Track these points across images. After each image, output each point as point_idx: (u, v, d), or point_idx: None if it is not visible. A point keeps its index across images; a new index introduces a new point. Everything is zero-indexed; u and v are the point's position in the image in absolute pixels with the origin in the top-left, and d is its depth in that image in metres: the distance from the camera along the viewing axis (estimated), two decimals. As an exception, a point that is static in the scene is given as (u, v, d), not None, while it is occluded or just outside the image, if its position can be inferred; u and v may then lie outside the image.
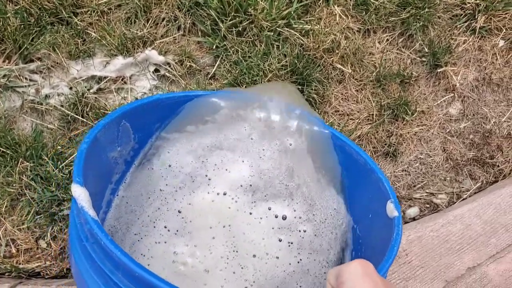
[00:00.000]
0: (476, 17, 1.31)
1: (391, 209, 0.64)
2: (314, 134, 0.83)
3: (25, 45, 1.22)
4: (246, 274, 0.78)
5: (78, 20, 1.25)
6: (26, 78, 1.23)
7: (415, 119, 1.27)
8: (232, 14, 1.24)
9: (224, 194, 0.87)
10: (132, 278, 0.46)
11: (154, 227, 0.82)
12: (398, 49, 1.32)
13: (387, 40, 1.32)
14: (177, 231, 0.82)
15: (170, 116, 0.82)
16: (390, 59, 1.31)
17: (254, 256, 0.80)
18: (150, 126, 0.80)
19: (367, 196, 0.76)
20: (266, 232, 0.84)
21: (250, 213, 0.86)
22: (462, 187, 1.29)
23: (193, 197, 0.86)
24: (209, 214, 0.85)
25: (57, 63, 1.25)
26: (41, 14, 1.24)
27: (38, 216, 1.14)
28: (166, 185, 0.85)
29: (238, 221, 0.85)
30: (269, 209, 0.86)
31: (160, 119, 0.81)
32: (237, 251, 0.81)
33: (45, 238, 1.16)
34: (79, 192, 0.53)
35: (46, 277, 1.16)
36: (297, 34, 1.27)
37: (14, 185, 1.13)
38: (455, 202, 1.27)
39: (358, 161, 0.77)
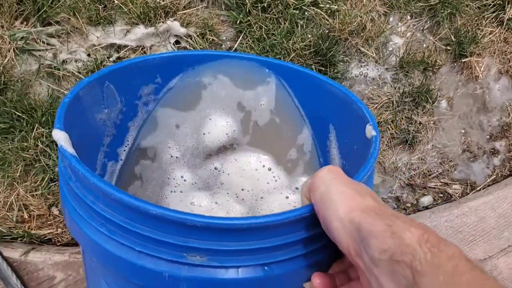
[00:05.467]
0: (505, 8, 1.29)
1: (370, 130, 0.64)
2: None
3: (45, 8, 1.18)
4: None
5: (99, -16, 1.22)
6: (43, 42, 1.20)
7: (436, 107, 1.26)
8: (258, -12, 1.21)
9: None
10: (111, 203, 0.46)
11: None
12: (423, 35, 1.30)
13: (414, 25, 1.30)
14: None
15: (159, 79, 0.81)
16: (414, 45, 1.29)
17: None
18: (137, 89, 0.79)
19: (352, 131, 0.73)
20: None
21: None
22: (477, 179, 1.29)
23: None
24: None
25: (76, 28, 1.21)
26: (63, -24, 1.20)
27: (53, 184, 1.13)
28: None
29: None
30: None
31: (146, 81, 0.79)
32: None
33: (58, 205, 1.15)
34: (59, 135, 0.54)
35: (57, 244, 1.15)
36: (323, 14, 1.24)
37: (29, 150, 1.11)
38: (469, 193, 1.27)
39: (345, 101, 0.74)
